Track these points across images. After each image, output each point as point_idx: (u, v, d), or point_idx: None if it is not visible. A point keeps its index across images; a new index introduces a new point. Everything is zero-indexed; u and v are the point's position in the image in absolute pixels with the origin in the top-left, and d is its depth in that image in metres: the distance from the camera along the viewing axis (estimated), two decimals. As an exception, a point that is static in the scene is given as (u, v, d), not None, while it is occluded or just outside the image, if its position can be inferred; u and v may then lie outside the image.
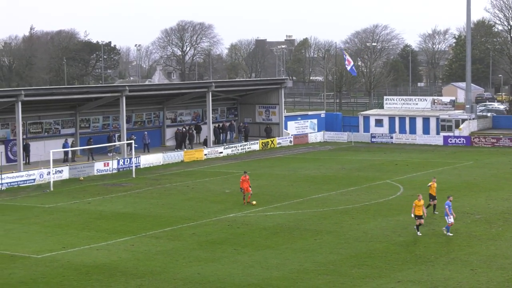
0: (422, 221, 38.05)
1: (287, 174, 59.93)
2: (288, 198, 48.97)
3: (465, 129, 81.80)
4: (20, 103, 59.20)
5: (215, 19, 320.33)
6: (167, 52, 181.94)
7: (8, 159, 63.19)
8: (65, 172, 59.72)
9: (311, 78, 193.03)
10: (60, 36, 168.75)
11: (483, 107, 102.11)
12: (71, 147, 65.42)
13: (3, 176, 55.85)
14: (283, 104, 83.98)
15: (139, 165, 64.87)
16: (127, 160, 64.32)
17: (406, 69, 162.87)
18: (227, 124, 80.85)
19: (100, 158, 65.41)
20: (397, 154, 72.30)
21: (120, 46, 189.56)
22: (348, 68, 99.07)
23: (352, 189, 52.30)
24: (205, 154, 71.72)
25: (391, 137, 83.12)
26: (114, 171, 62.97)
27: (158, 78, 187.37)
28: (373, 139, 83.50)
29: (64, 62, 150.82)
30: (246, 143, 77.70)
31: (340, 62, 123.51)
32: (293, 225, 40.89)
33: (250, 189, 46.97)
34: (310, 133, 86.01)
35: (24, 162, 61.84)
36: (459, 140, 79.61)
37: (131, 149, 64.05)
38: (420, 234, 37.79)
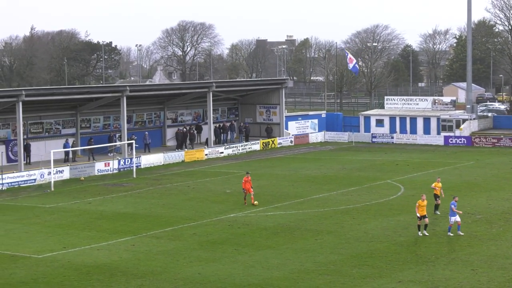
0: (427, 220, 37.98)
1: (288, 174, 59.91)
2: (289, 198, 48.94)
3: (466, 129, 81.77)
4: (20, 103, 59.17)
5: (216, 19, 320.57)
6: (168, 52, 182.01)
7: (9, 159, 63.21)
8: (65, 172, 59.72)
9: (311, 78, 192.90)
10: (60, 36, 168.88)
11: (484, 107, 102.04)
12: (72, 147, 65.36)
13: (4, 176, 55.84)
14: (283, 104, 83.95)
15: (140, 165, 64.88)
16: (127, 160, 64.33)
17: (407, 69, 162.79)
18: (228, 124, 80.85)
19: (101, 158, 65.40)
20: (398, 154, 72.29)
21: (120, 46, 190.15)
22: (351, 66, 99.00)
23: (352, 189, 52.27)
24: (206, 154, 71.70)
25: (392, 137, 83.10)
26: (115, 171, 62.96)
27: (158, 78, 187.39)
28: (374, 139, 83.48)
29: (65, 62, 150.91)
30: (246, 143, 77.67)
31: (341, 62, 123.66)
32: (294, 225, 40.87)
33: (252, 190, 46.88)
34: (311, 133, 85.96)
35: (25, 162, 61.81)
36: (460, 140, 79.59)
37: (131, 149, 63.99)
38: (421, 235, 37.77)
